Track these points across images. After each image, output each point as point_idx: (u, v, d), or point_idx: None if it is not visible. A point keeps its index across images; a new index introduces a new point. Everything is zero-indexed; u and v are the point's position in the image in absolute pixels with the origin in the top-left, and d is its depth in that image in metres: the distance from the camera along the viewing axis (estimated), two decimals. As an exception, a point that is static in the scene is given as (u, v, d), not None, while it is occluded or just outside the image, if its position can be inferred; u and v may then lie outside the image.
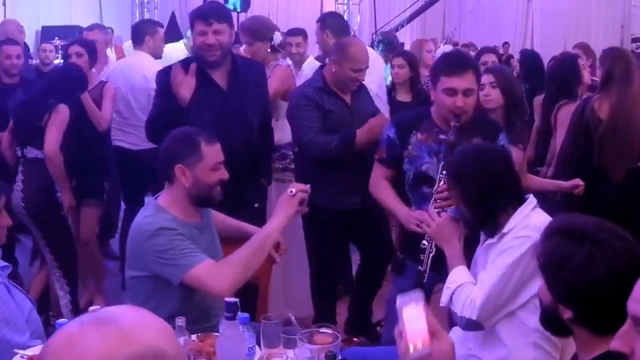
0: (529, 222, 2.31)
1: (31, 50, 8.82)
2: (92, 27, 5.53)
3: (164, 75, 3.32)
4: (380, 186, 3.12)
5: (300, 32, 5.40)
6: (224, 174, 2.50)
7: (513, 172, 2.47)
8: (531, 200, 2.39)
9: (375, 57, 4.74)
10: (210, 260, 2.37)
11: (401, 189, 3.06)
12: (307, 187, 2.49)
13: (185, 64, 3.31)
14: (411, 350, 1.50)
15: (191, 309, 2.40)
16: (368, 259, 3.89)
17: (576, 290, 1.55)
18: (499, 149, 2.70)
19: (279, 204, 2.46)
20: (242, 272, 2.34)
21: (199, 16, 3.26)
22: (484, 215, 2.37)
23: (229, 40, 3.28)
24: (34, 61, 7.05)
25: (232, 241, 2.74)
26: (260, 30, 4.13)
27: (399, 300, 1.54)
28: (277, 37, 4.21)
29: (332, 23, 4.91)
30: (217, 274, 2.31)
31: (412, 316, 1.53)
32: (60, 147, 3.82)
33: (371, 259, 3.87)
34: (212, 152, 2.46)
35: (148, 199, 2.53)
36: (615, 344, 1.27)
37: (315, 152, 3.55)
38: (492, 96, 3.43)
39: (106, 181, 4.51)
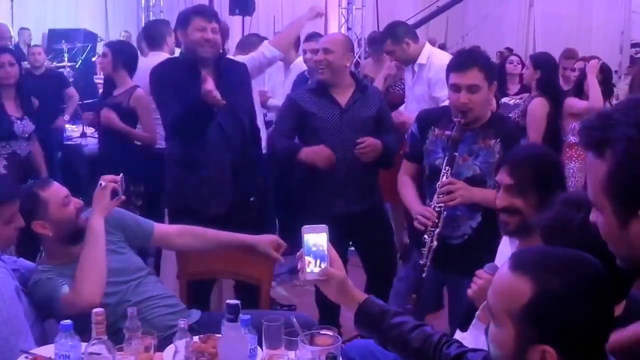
0: None
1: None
2: None
3: (168, 68, 3.42)
4: (402, 182, 3.20)
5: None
6: (77, 202, 2.56)
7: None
8: None
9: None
10: (66, 286, 2.41)
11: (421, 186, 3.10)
12: (117, 177, 2.58)
13: (176, 62, 3.50)
14: (308, 269, 1.75)
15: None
16: (370, 270, 3.76)
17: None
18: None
19: (93, 199, 2.54)
20: (92, 275, 2.40)
21: (197, 13, 3.37)
22: (541, 202, 2.21)
23: (220, 42, 3.40)
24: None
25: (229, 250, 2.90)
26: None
27: (304, 228, 1.76)
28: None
29: (407, 30, 4.47)
30: (76, 292, 2.37)
31: (313, 242, 1.75)
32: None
33: (373, 272, 3.74)
34: (52, 192, 2.51)
35: None
36: (479, 314, 1.46)
37: (275, 153, 3.69)
38: None
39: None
